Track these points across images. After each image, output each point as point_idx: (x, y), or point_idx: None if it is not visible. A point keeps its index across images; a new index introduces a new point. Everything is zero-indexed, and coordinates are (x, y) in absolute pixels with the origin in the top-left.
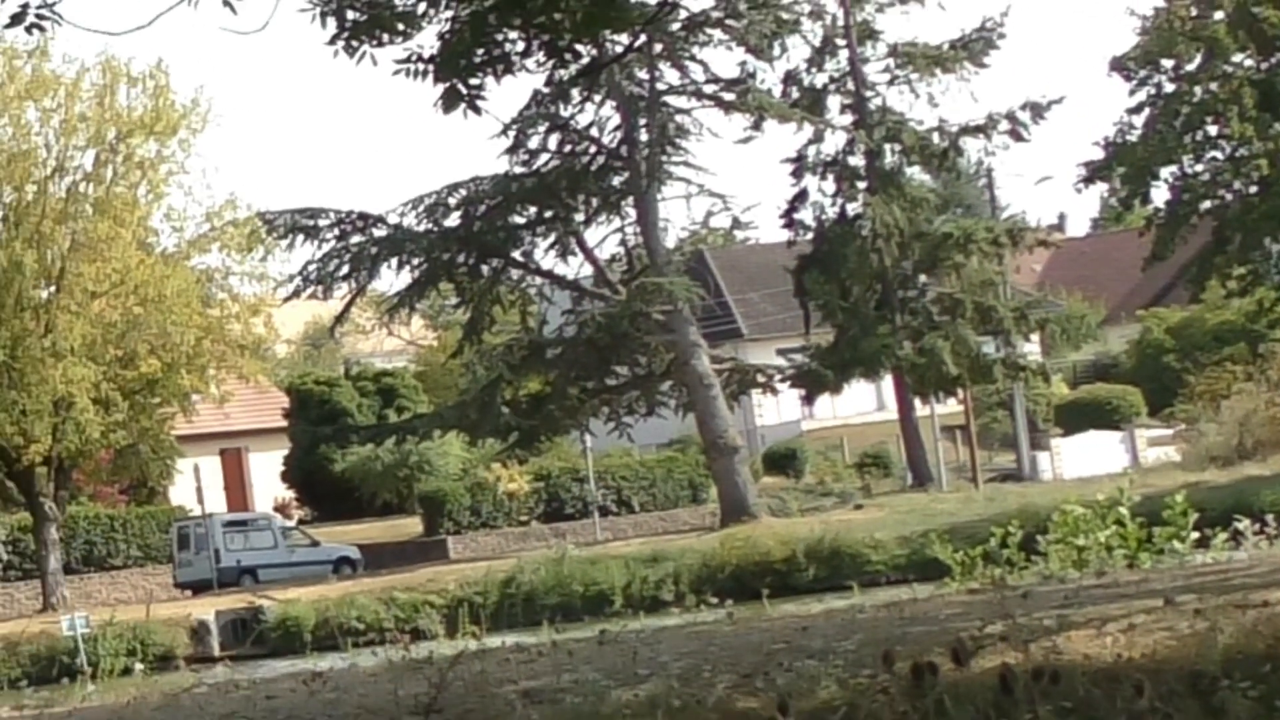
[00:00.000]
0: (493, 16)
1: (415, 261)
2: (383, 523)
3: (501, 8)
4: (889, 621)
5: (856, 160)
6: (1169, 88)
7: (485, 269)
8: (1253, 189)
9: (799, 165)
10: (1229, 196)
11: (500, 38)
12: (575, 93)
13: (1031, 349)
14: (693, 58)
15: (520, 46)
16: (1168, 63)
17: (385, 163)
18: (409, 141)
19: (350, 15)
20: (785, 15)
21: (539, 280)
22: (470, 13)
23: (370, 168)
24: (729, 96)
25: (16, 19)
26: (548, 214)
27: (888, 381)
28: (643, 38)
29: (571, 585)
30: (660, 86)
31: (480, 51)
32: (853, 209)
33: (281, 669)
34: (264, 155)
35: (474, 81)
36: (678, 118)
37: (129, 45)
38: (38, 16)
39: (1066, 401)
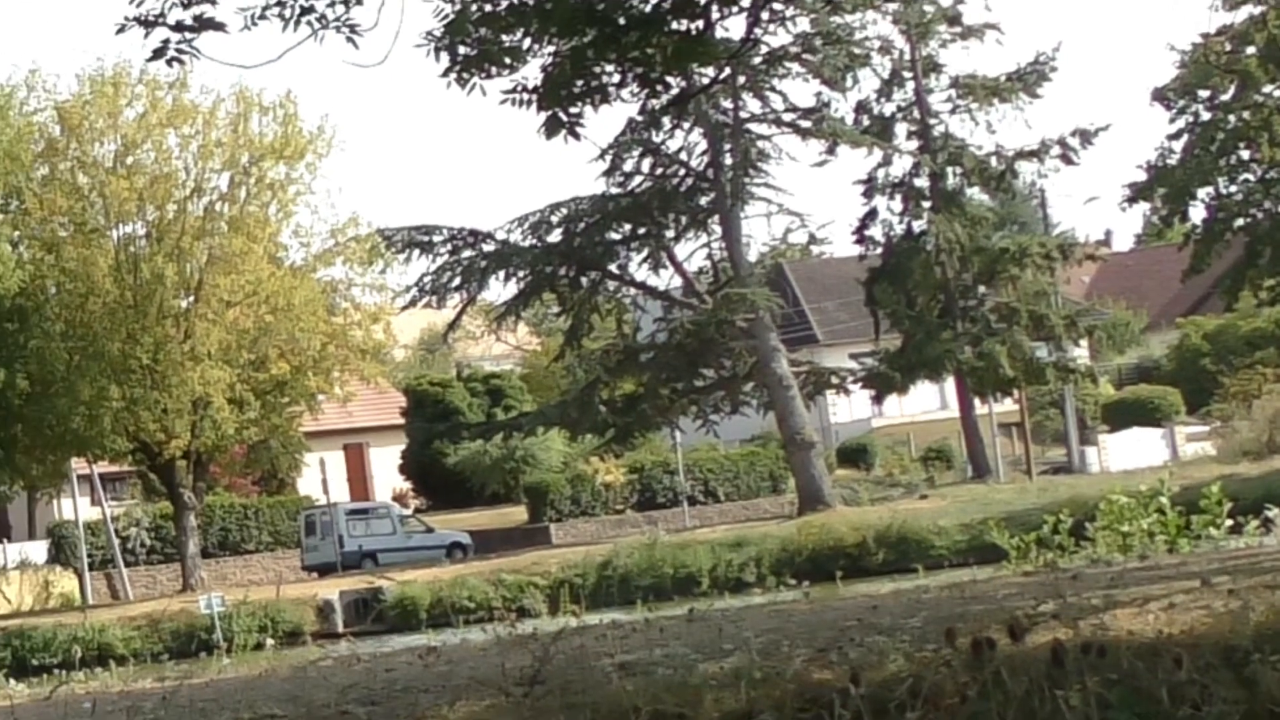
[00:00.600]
0: (591, 51)
1: (521, 274)
2: (491, 511)
3: (599, 43)
4: (951, 601)
5: (921, 182)
6: (1205, 116)
7: (584, 281)
8: None
9: (869, 186)
10: (1260, 215)
11: (598, 70)
12: (666, 120)
13: (1080, 353)
14: (773, 88)
15: (616, 78)
16: (1204, 93)
17: (493, 183)
18: (515, 164)
19: (461, 50)
20: (857, 50)
21: (633, 291)
22: (570, 48)
23: (479, 188)
24: (806, 124)
25: (159, 53)
26: (641, 231)
27: (950, 383)
28: (727, 70)
29: (663, 568)
30: (743, 115)
31: (579, 83)
32: (918, 226)
33: (399, 644)
34: (383, 176)
35: (574, 110)
36: (759, 143)
37: (260, 77)
38: (178, 51)
39: (1112, 401)
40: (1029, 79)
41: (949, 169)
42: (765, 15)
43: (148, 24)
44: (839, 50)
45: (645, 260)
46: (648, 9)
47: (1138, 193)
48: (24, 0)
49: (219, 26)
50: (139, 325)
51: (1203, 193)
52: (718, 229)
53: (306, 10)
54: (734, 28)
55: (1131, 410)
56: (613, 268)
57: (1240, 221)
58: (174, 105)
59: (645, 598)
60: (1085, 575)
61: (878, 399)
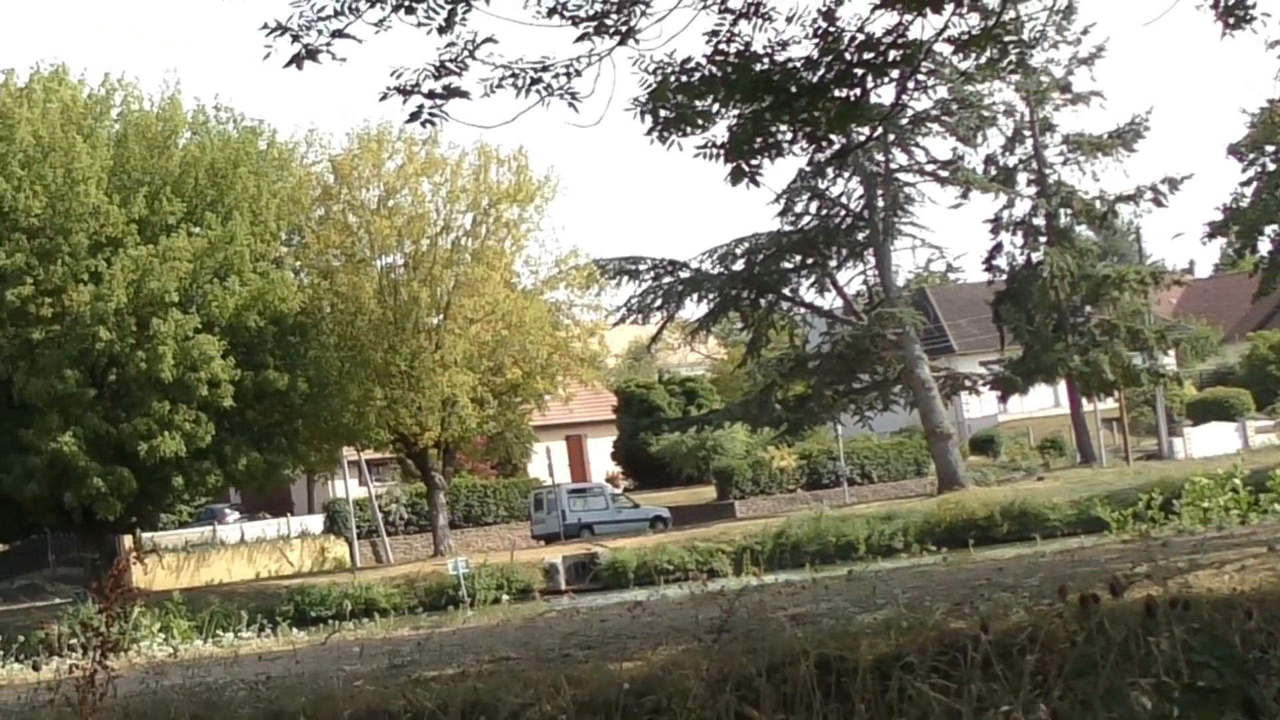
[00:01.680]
0: (768, 114)
1: (711, 296)
2: (685, 490)
3: (775, 108)
4: (1062, 564)
5: (1039, 221)
6: (1271, 166)
7: (763, 302)
8: None
9: (996, 224)
10: None
11: (774, 130)
12: (829, 170)
13: (1169, 361)
14: (917, 144)
15: (789, 136)
16: (1270, 148)
17: (688, 220)
18: (705, 205)
19: (662, 113)
20: (985, 113)
21: (802, 310)
22: (751, 111)
23: (677, 224)
24: (944, 173)
25: (414, 116)
26: (809, 261)
27: (1062, 385)
28: (880, 130)
29: (827, 537)
30: (893, 166)
31: (758, 140)
32: (1036, 257)
33: (611, 600)
34: (598, 215)
35: (754, 162)
36: (905, 189)
37: (497, 135)
38: (430, 114)
39: (1194, 400)
40: (1126, 136)
41: (1061, 210)
42: (911, 84)
43: (406, 92)
44: (971, 113)
45: (812, 285)
46: (814, 79)
47: (1216, 229)
48: (305, 74)
49: (464, 94)
50: (398, 338)
51: (1270, 229)
52: (872, 259)
53: (535, 81)
54: (885, 94)
55: (1210, 408)
56: (786, 291)
57: None
58: (427, 158)
59: (812, 561)
60: (1172, 543)
61: (1003, 398)
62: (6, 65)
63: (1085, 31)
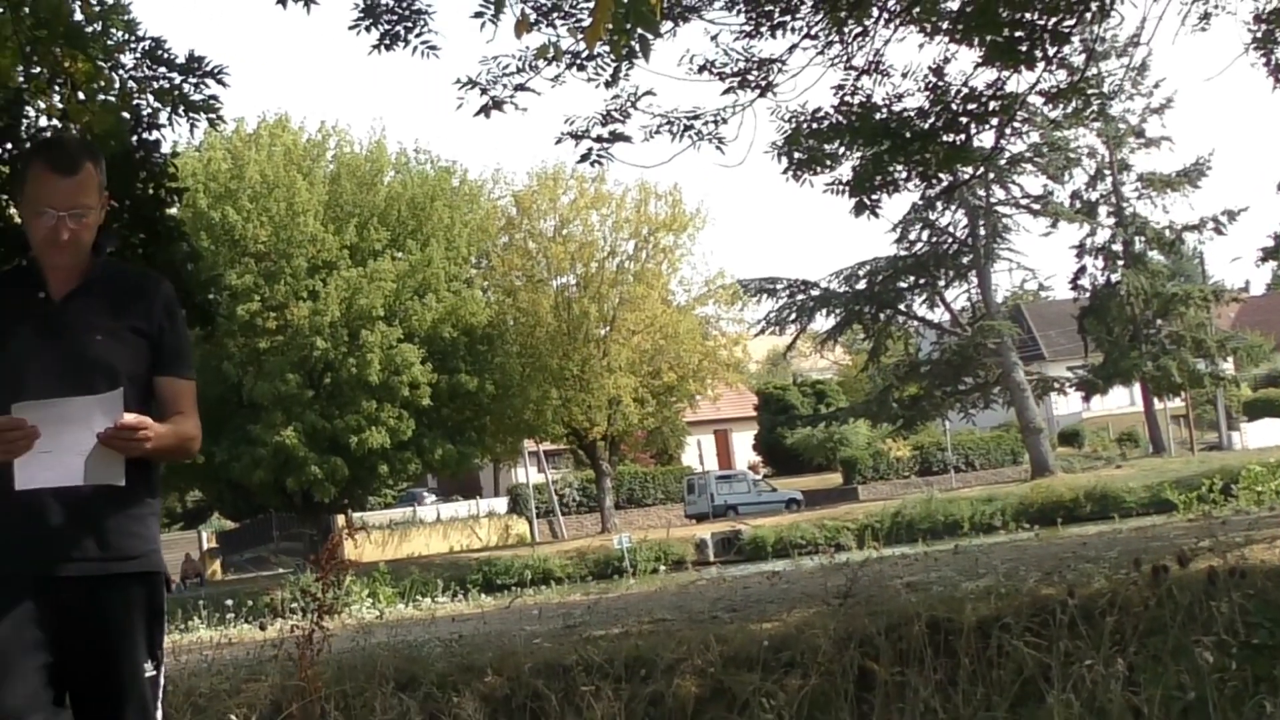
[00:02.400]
0: (887, 156)
1: (837, 311)
2: (815, 477)
3: (892, 151)
4: (1137, 539)
5: (1117, 247)
6: None
7: (881, 316)
8: None
9: (1080, 250)
10: None
11: (891, 170)
12: (939, 204)
13: (1227, 366)
14: (1013, 181)
15: (904, 174)
16: None
17: (818, 245)
18: (832, 231)
19: (796, 155)
20: (1071, 155)
21: (915, 323)
22: (872, 154)
23: (808, 248)
24: (1036, 207)
25: (584, 157)
26: (921, 281)
27: (1137, 387)
28: (981, 169)
29: (936, 516)
30: (992, 200)
31: (878, 178)
32: (1114, 278)
33: (752, 570)
34: (742, 240)
35: (874, 197)
36: (1003, 220)
37: (655, 173)
38: (598, 156)
39: (1250, 400)
40: (1191, 174)
41: (1136, 238)
42: (1008, 130)
43: (577, 137)
44: (1059, 155)
45: (924, 301)
46: (926, 126)
47: (1268, 254)
48: (491, 121)
49: (627, 139)
50: (571, 347)
51: None
52: (975, 280)
53: (688, 128)
54: (986, 139)
55: (1263, 407)
56: (901, 306)
57: None
58: (595, 193)
59: (924, 537)
60: (1231, 521)
61: (1086, 398)
62: (238, 115)
63: (1156, 85)
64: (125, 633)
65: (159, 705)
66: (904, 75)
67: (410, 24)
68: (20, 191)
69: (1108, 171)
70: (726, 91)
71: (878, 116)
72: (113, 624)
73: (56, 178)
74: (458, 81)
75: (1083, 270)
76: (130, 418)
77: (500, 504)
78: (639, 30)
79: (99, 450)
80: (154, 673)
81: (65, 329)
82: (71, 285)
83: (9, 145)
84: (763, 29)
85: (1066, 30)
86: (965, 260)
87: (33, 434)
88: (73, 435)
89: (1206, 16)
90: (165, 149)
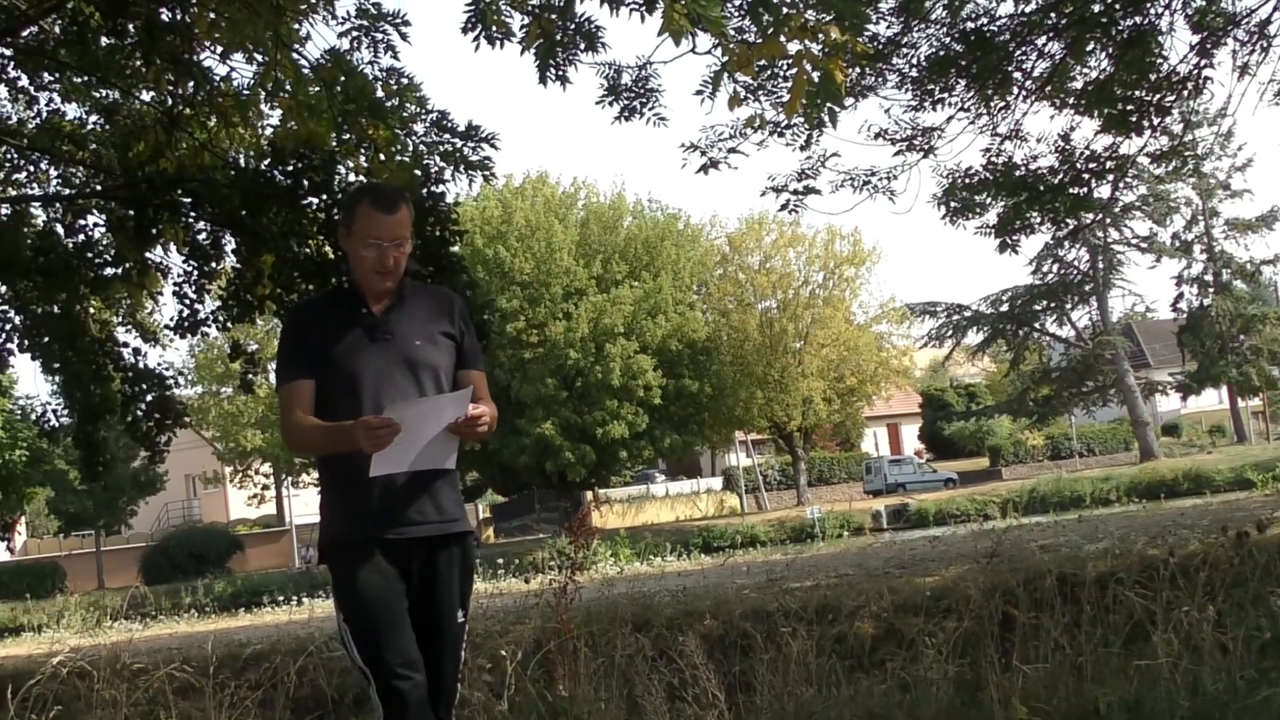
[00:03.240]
0: (1024, 204)
1: (985, 329)
2: (968, 461)
3: (1029, 200)
4: (1224, 511)
5: (1208, 277)
6: None
7: (1020, 332)
8: None
9: (1179, 279)
10: None
11: (1028, 216)
12: (1066, 243)
13: None
14: (1125, 225)
15: (1038, 220)
16: None
17: (970, 273)
18: (980, 264)
19: (952, 204)
20: (1171, 204)
21: (1047, 338)
22: (1013, 203)
23: (962, 276)
24: (1143, 245)
25: (784, 206)
26: (1051, 304)
27: (1224, 389)
28: (1100, 215)
29: (1064, 492)
30: (1109, 239)
31: (1017, 223)
32: (1206, 302)
33: (917, 535)
34: (908, 271)
35: (1015, 237)
36: (1117, 255)
37: (839, 218)
38: (794, 205)
39: None
40: (1268, 219)
41: (1223, 270)
42: (1121, 185)
43: (778, 190)
44: (1162, 204)
45: (1054, 320)
46: (1055, 181)
47: None
48: (709, 177)
49: (817, 191)
50: (772, 357)
51: None
52: (1094, 303)
53: (866, 183)
54: (1103, 191)
55: None
56: (1036, 325)
57: None
58: (792, 235)
59: (1054, 509)
60: None
61: (1184, 398)
62: (507, 171)
63: (1240, 148)
64: (449, 584)
65: (464, 647)
66: (1038, 140)
67: (644, 100)
68: (348, 228)
69: (1200, 217)
70: (897, 153)
71: (1017, 174)
72: (441, 577)
73: (381, 215)
74: (683, 145)
75: (1181, 296)
76: (476, 408)
77: (716, 482)
78: (827, 104)
79: (439, 438)
80: (463, 620)
81: (389, 338)
82: (388, 302)
83: (324, 196)
84: (925, 104)
85: (1168, 105)
86: (1087, 288)
87: (396, 429)
88: (424, 428)
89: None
90: (449, 199)
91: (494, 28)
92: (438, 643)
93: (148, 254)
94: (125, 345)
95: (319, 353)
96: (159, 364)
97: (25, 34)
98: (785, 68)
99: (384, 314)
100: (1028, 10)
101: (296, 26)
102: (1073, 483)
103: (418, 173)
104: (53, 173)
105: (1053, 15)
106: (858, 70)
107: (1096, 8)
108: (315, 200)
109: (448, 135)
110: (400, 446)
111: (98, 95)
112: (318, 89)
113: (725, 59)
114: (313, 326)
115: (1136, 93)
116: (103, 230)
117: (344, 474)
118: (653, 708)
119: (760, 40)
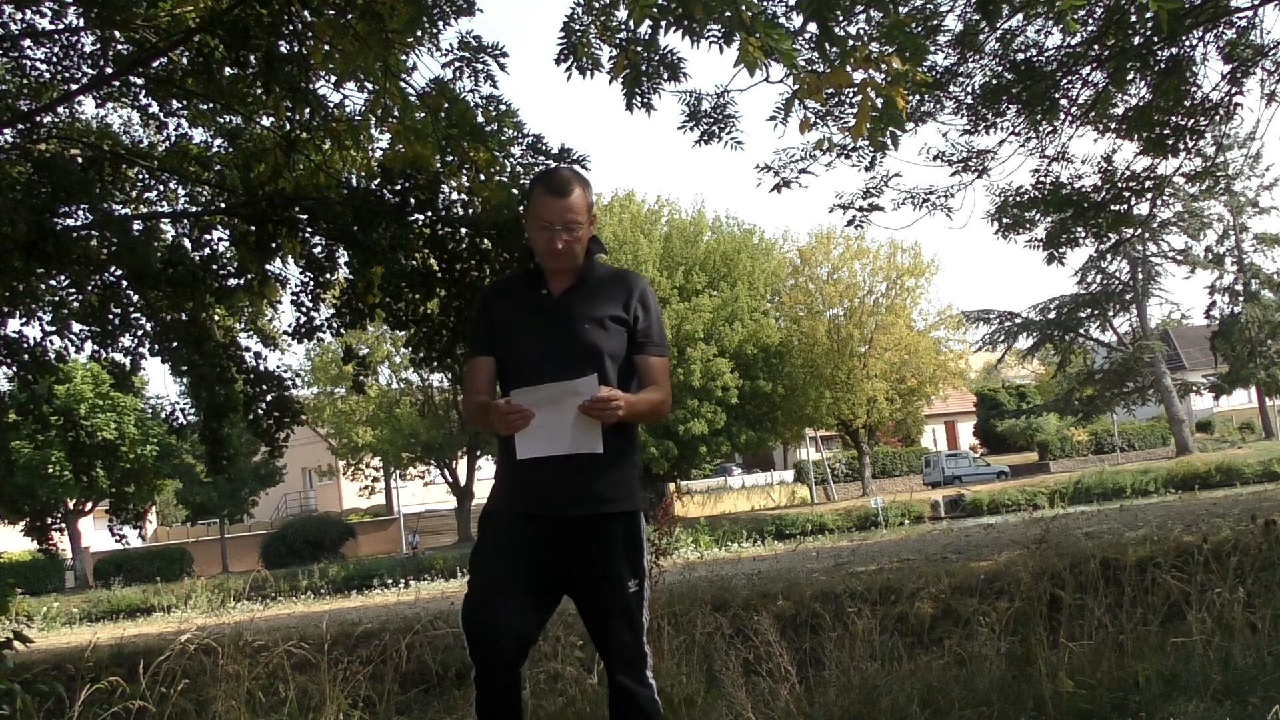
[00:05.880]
0: (1070, 221)
1: (1034, 334)
2: (1018, 455)
3: (1074, 216)
4: (1254, 501)
5: (1239, 287)
6: None
7: (1067, 338)
8: None
9: (1212, 289)
10: None
11: (1073, 231)
12: (1108, 255)
13: None
14: (1163, 239)
15: (1082, 235)
16: None
17: (1019, 283)
18: (1029, 274)
19: (1004, 220)
20: (1205, 220)
21: (1091, 342)
22: (1059, 219)
23: (1013, 286)
24: (1179, 258)
25: (850, 222)
26: (1095, 312)
27: (1253, 390)
28: (1139, 230)
29: (1107, 483)
30: (1147, 252)
31: (1064, 237)
32: (1237, 310)
33: (972, 523)
34: (965, 280)
35: (1061, 250)
36: (1155, 267)
37: (901, 233)
38: (860, 220)
39: None
40: None
41: (1253, 280)
42: (1159, 202)
43: (844, 207)
44: (1196, 220)
45: (1098, 327)
46: (1099, 199)
47: None
48: (781, 195)
49: (880, 209)
50: (839, 360)
51: None
52: (1134, 311)
53: (925, 200)
54: (1142, 208)
55: None
56: (1081, 331)
57: None
58: (858, 248)
59: (1098, 499)
60: None
61: (1216, 398)
62: (596, 190)
63: (1268, 168)
64: (609, 558)
65: (645, 611)
66: (1083, 162)
67: (722, 125)
68: (528, 212)
69: (1231, 232)
70: (953, 174)
71: (1064, 192)
72: (600, 551)
73: (551, 199)
74: (757, 166)
75: (1213, 304)
76: (605, 391)
77: (788, 475)
78: (890, 129)
79: (580, 422)
80: (637, 588)
81: (561, 319)
82: (567, 284)
83: (429, 213)
84: (979, 128)
85: (1202, 129)
86: (1127, 297)
87: (528, 415)
88: (559, 413)
89: None
90: None
91: (584, 59)
92: (607, 613)
93: (268, 266)
94: (247, 350)
95: (500, 330)
96: (278, 367)
97: (155, 65)
98: (851, 95)
99: (561, 295)
100: (1073, 42)
101: (404, 58)
102: (1114, 475)
103: (515, 191)
104: (181, 191)
105: (1096, 47)
106: (918, 98)
107: (1136, 40)
108: (420, 217)
109: (542, 157)
110: (542, 429)
111: (221, 121)
112: (423, 115)
113: (796, 87)
114: (497, 305)
115: (1173, 118)
116: (226, 244)
117: (507, 453)
118: (730, 681)
119: (828, 70)
